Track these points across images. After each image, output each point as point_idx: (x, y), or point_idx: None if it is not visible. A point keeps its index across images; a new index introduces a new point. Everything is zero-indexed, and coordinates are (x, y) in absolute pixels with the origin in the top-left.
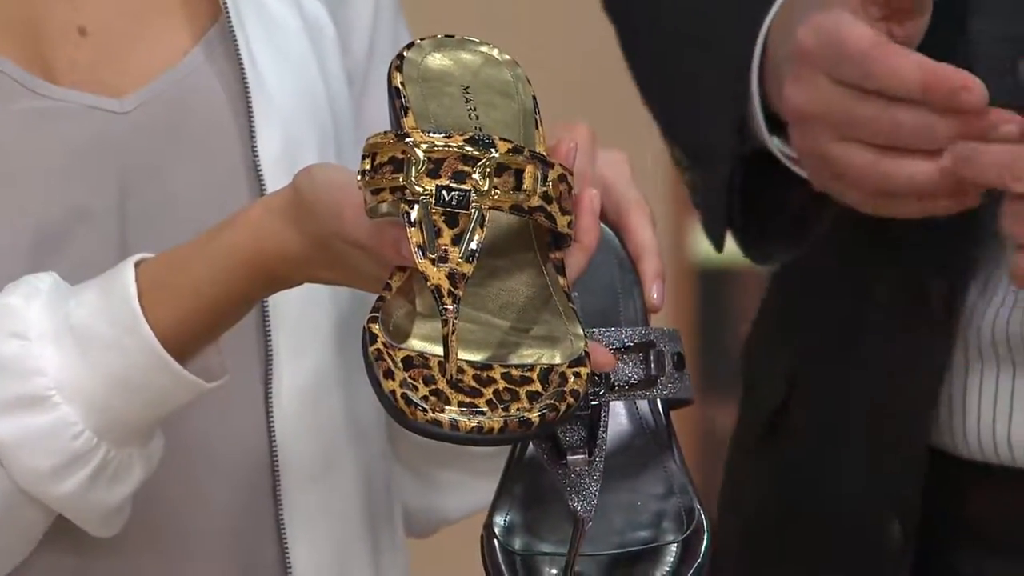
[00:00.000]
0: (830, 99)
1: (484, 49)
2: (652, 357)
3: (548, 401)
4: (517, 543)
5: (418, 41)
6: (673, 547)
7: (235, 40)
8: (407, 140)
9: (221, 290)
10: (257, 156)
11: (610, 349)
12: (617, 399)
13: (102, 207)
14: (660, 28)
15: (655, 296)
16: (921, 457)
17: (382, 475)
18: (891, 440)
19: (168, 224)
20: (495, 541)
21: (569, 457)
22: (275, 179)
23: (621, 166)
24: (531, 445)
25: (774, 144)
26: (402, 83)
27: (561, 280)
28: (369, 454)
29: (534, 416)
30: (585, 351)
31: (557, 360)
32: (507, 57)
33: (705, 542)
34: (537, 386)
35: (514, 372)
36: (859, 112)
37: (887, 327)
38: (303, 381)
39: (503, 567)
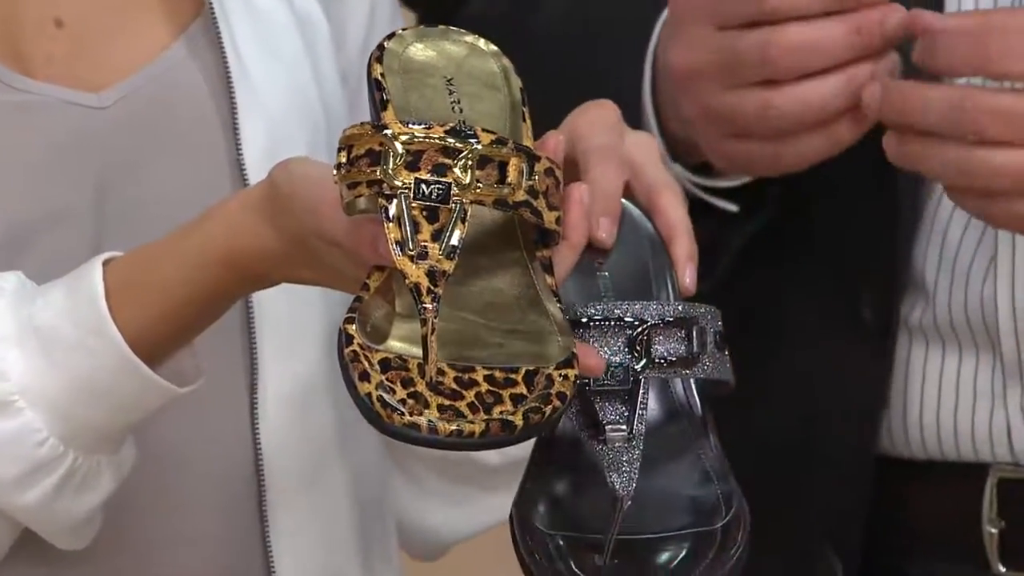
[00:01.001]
0: (713, 44)
1: (469, 39)
2: (694, 334)
3: (533, 404)
4: (550, 524)
5: (399, 31)
6: (712, 533)
7: (219, 33)
8: (385, 132)
9: (194, 289)
10: (241, 153)
11: (650, 323)
12: (657, 375)
13: (79, 205)
14: (544, 74)
15: (687, 280)
16: (867, 466)
17: (374, 486)
18: (834, 453)
19: (147, 223)
20: (527, 522)
21: (608, 433)
22: (260, 177)
23: (650, 147)
24: (565, 421)
25: (676, 170)
26: (382, 75)
27: (548, 279)
28: (360, 464)
29: (518, 419)
30: (573, 352)
31: (543, 362)
32: (493, 48)
33: (745, 528)
34: (522, 388)
35: (497, 374)
36: (744, 45)
37: (821, 337)
38: (290, 388)
39: (535, 549)
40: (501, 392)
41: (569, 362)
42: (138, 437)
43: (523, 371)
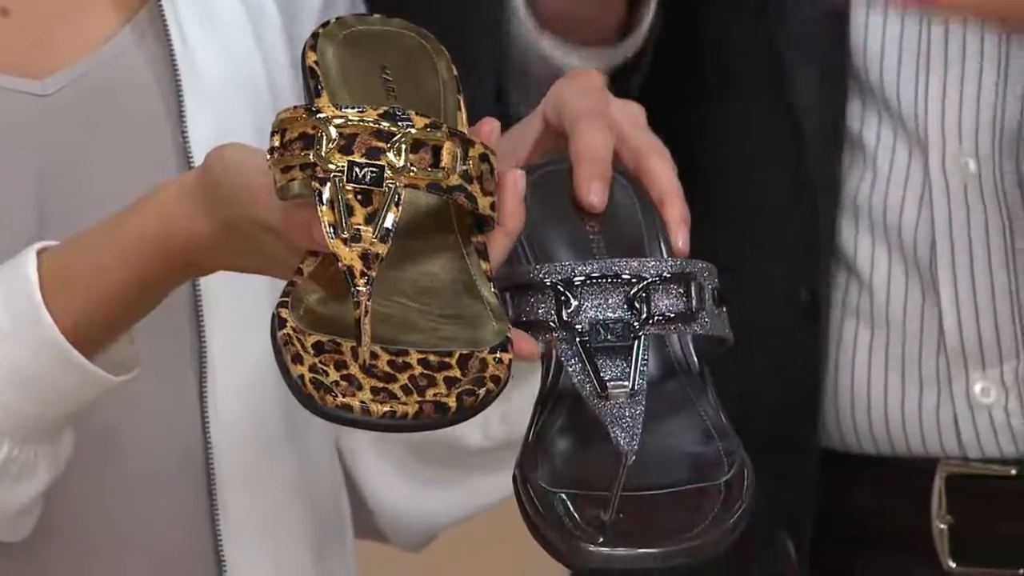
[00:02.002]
0: None
1: (404, 28)
2: (693, 290)
3: (467, 386)
4: (554, 482)
5: (334, 19)
6: (716, 489)
7: (165, 21)
8: (318, 116)
9: (128, 277)
10: (188, 142)
11: (648, 279)
12: (657, 331)
13: (20, 194)
14: None
15: (680, 242)
16: (813, 459)
17: (326, 481)
18: (779, 447)
19: (91, 213)
20: (531, 480)
21: (610, 390)
22: None
23: (636, 113)
24: (566, 380)
25: (544, 44)
26: (316, 63)
27: (483, 265)
28: (310, 457)
29: (451, 401)
30: (507, 337)
31: (477, 346)
32: (428, 35)
33: (748, 484)
34: (456, 372)
35: (431, 358)
36: None
37: (758, 331)
38: (239, 380)
39: (540, 507)
40: (435, 375)
41: (504, 346)
42: (88, 430)
43: (457, 355)
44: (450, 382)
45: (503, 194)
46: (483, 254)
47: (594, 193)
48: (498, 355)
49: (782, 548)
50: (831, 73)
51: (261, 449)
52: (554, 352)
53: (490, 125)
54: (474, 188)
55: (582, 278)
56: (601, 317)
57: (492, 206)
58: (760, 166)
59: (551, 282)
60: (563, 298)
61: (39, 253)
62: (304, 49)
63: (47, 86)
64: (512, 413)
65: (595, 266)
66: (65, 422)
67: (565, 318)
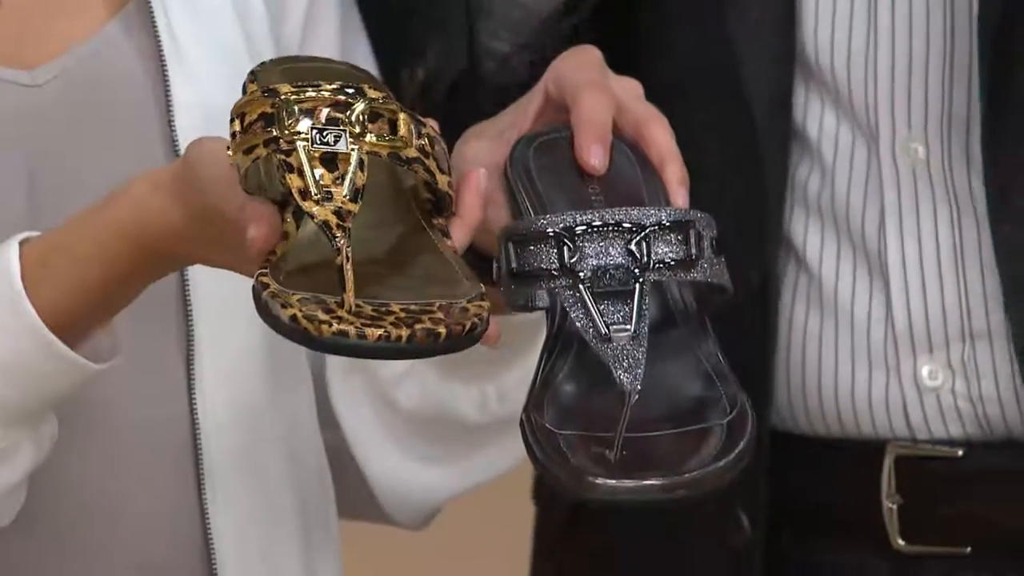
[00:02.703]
0: None
1: (333, 62)
2: (692, 238)
3: (453, 320)
4: (560, 424)
5: (268, 60)
6: (718, 429)
7: (152, 13)
8: (277, 95)
9: (107, 268)
10: (175, 133)
11: (648, 227)
12: (656, 278)
13: (10, 184)
14: None
15: (680, 202)
16: (765, 439)
17: (312, 464)
18: None
19: (81, 202)
20: (537, 422)
21: (614, 334)
22: None
23: (634, 87)
24: (570, 325)
25: None
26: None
27: (448, 241)
28: (297, 440)
29: (441, 328)
30: (481, 291)
31: (455, 298)
32: (356, 65)
33: (750, 425)
34: (439, 315)
35: (412, 307)
36: None
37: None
38: (226, 364)
39: (547, 448)
40: (420, 316)
41: (481, 296)
42: (76, 415)
43: (436, 304)
44: (436, 320)
45: (465, 188)
46: (446, 234)
47: (595, 156)
48: (476, 302)
49: (738, 523)
50: (780, 60)
51: (248, 433)
52: (558, 299)
53: (433, 120)
54: (431, 163)
55: (584, 227)
56: (603, 264)
57: (449, 184)
58: (710, 153)
59: (554, 231)
60: (566, 246)
61: (21, 244)
62: (244, 84)
63: (37, 77)
64: (508, 392)
65: (596, 215)
66: (47, 409)
67: (568, 265)
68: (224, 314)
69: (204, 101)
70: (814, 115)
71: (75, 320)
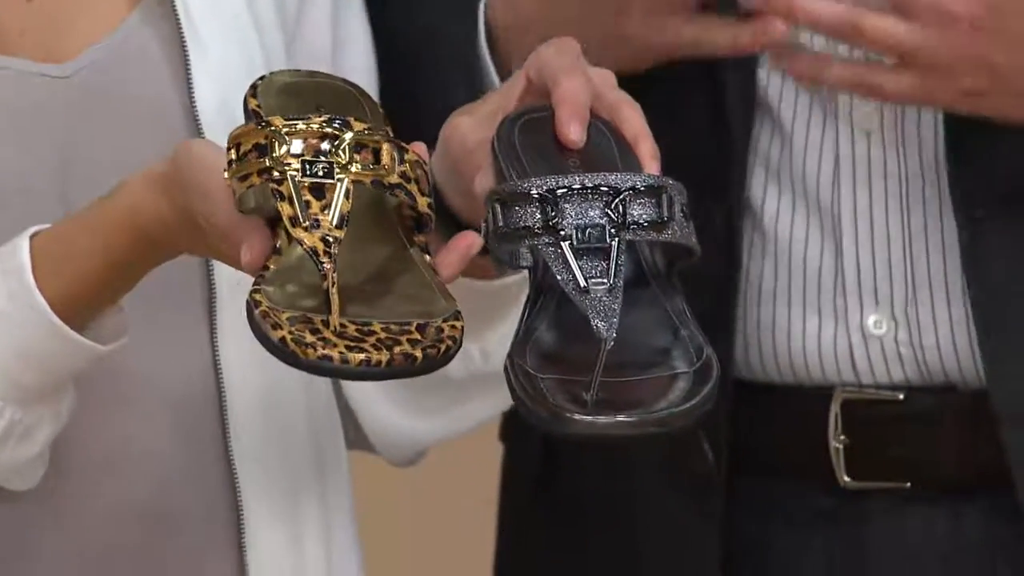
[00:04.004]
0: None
1: (330, 78)
2: (664, 201)
3: (429, 343)
4: (541, 368)
5: (267, 74)
6: (685, 376)
7: (173, 2)
8: (270, 127)
9: (107, 258)
10: (198, 120)
11: (623, 191)
12: (632, 237)
13: (43, 168)
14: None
15: (653, 172)
16: (726, 382)
17: (326, 405)
18: None
19: (109, 188)
20: (521, 367)
21: (591, 287)
22: (217, 139)
23: (609, 76)
24: (551, 280)
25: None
26: (258, 105)
27: (428, 258)
28: (312, 384)
29: (418, 353)
30: (457, 310)
31: (431, 318)
32: (352, 83)
33: (715, 373)
34: (416, 335)
35: (392, 327)
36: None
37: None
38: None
39: (528, 389)
40: (399, 338)
41: (456, 315)
42: (115, 369)
43: (415, 323)
44: (413, 342)
45: (452, 249)
46: (425, 250)
47: (574, 131)
48: (452, 322)
49: (703, 455)
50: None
51: (269, 381)
52: (540, 256)
53: (421, 146)
54: (412, 187)
55: (565, 190)
56: (582, 223)
57: (430, 205)
58: (680, 122)
59: (538, 193)
60: (548, 207)
61: (31, 237)
62: (245, 97)
63: (65, 69)
64: (491, 350)
65: (577, 179)
66: (63, 387)
67: (550, 224)
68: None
69: (222, 85)
70: (775, 83)
71: (81, 306)
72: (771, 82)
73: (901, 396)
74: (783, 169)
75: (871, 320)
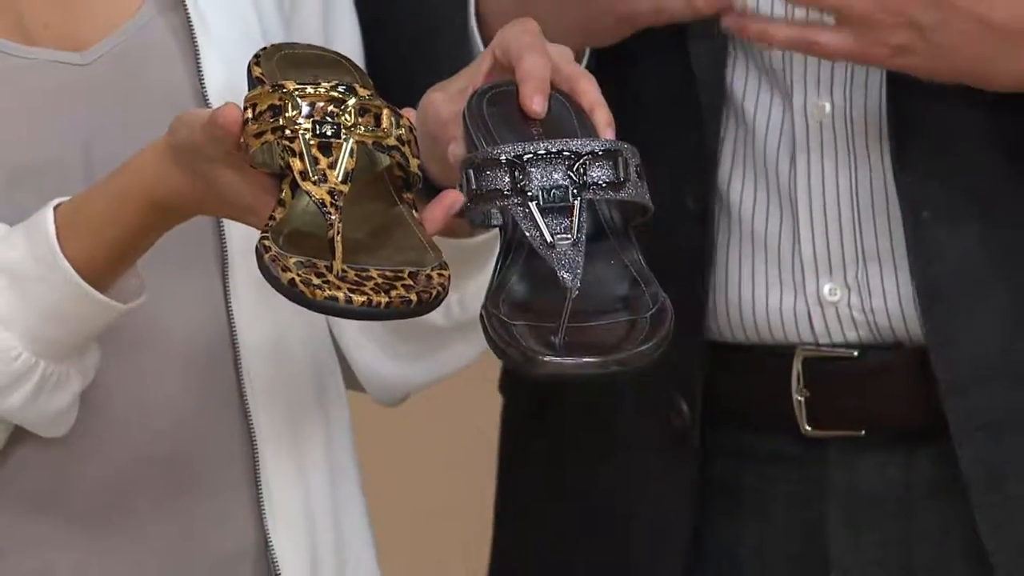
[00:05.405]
0: None
1: (326, 51)
2: (620, 164)
3: (421, 289)
4: (512, 316)
5: (269, 45)
6: (643, 321)
7: None
8: (283, 90)
9: (123, 225)
10: (207, 100)
11: (583, 153)
12: (592, 196)
13: (68, 155)
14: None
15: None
16: (701, 344)
17: (325, 341)
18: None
19: None
20: (495, 315)
21: (557, 242)
22: None
23: (566, 51)
24: (520, 237)
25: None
26: (262, 73)
27: (416, 213)
28: (313, 326)
29: (413, 296)
30: (443, 262)
31: (421, 267)
32: (345, 55)
33: (669, 318)
34: (409, 281)
35: (388, 273)
36: None
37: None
38: (257, 275)
39: (502, 334)
40: (395, 283)
41: (443, 265)
42: (137, 323)
43: (407, 271)
44: (407, 287)
45: (435, 205)
46: (413, 206)
47: (537, 103)
48: (439, 271)
49: (679, 410)
50: (720, 35)
51: (277, 325)
52: (510, 215)
53: (412, 112)
54: (406, 150)
55: (530, 155)
56: (547, 184)
57: (419, 167)
58: (656, 111)
59: (505, 158)
60: (516, 171)
61: (55, 208)
62: (249, 65)
63: (86, 57)
64: (468, 299)
65: (542, 145)
66: (89, 342)
67: (519, 186)
68: (253, 232)
69: (229, 70)
70: (740, 76)
71: (103, 268)
72: (735, 80)
73: (855, 353)
74: (747, 156)
75: (826, 288)
